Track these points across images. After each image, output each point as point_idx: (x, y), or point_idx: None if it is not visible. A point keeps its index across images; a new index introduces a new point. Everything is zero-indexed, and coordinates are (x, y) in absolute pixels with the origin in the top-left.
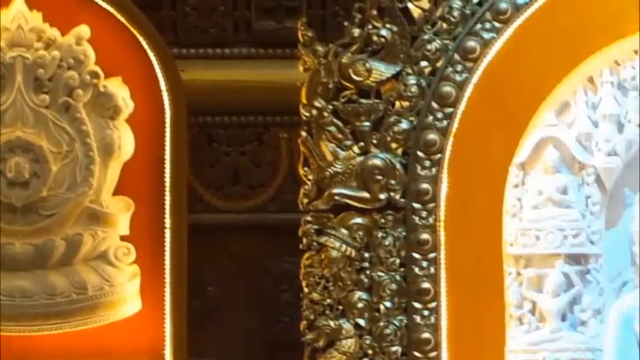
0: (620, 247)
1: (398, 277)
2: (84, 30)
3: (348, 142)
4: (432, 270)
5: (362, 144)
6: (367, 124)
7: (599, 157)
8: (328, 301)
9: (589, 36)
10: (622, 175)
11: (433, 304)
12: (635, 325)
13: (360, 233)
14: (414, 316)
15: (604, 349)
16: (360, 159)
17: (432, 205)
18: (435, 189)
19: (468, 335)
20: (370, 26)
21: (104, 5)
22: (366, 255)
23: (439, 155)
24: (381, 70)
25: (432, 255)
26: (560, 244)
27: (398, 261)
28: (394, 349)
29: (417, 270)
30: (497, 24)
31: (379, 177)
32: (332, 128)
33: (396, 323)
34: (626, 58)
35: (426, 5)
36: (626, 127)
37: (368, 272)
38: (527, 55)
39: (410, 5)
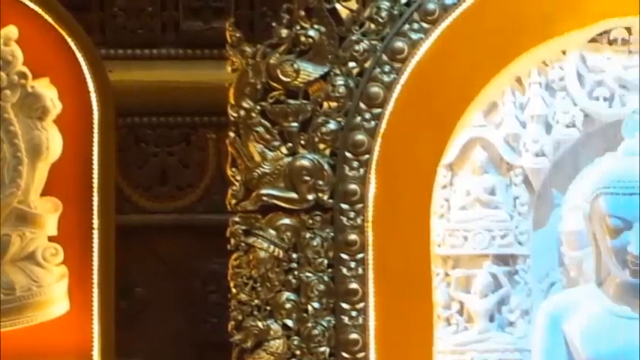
0: (548, 247)
1: (326, 278)
2: (11, 31)
3: (276, 143)
4: (360, 271)
5: (290, 145)
6: (295, 124)
7: (526, 157)
8: (256, 301)
9: (517, 36)
10: (550, 176)
11: (361, 305)
12: (564, 326)
13: (288, 234)
14: (342, 317)
15: (532, 350)
16: (287, 160)
17: (359, 205)
18: (363, 190)
19: (395, 336)
20: (298, 27)
21: (32, 6)
22: (294, 256)
23: (367, 156)
24: (309, 70)
25: (359, 256)
26: (488, 245)
27: (326, 262)
28: (322, 349)
29: (344, 271)
30: (425, 25)
31: (307, 178)
32: (260, 129)
33: (324, 324)
34: (554, 59)
35: (354, 6)
36: (554, 128)
37: (296, 273)
38: (455, 55)
39: (338, 6)
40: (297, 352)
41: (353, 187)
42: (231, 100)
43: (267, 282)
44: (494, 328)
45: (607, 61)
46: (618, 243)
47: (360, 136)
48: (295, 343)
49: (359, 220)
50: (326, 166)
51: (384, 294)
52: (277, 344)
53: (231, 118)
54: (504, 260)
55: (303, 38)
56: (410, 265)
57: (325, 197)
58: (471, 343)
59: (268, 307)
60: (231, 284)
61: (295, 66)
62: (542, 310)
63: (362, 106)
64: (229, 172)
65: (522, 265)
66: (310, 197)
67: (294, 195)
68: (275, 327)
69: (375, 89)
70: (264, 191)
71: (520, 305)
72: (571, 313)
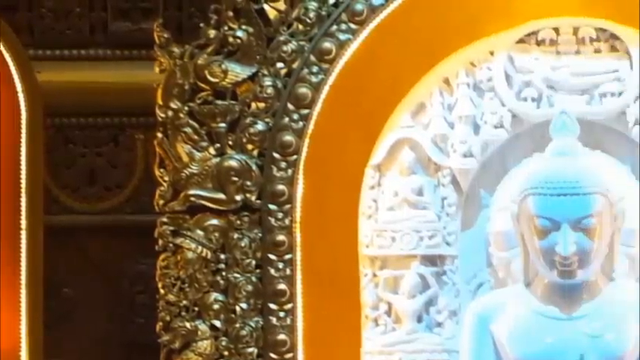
0: (476, 248)
1: (254, 279)
2: None
3: (204, 144)
4: (288, 271)
5: (218, 145)
6: (223, 125)
7: (454, 158)
8: (184, 302)
9: (445, 37)
10: (478, 177)
11: (289, 306)
12: (491, 326)
13: (216, 234)
14: (270, 318)
15: (460, 351)
16: (215, 160)
17: (287, 206)
18: (291, 190)
19: (323, 336)
20: (226, 28)
21: None
22: (222, 256)
23: (295, 156)
24: (237, 71)
25: (287, 256)
26: (415, 246)
27: (254, 262)
28: (250, 350)
29: (272, 271)
30: (353, 25)
31: (235, 178)
32: (188, 129)
33: (252, 324)
34: (482, 60)
35: (282, 6)
36: (481, 129)
37: (224, 274)
38: (383, 56)
39: (266, 6)
40: (225, 353)
41: (281, 187)
42: (159, 101)
43: (195, 283)
44: (422, 328)
45: (535, 62)
46: (546, 244)
47: (288, 137)
48: (223, 343)
49: (287, 221)
50: (254, 167)
51: (312, 295)
52: (205, 345)
53: (159, 119)
54: (432, 261)
55: (231, 39)
56: (338, 265)
57: (253, 198)
58: (398, 343)
59: (196, 308)
60: (159, 285)
61: (223, 67)
62: (470, 310)
63: (290, 106)
64: (157, 173)
65: (450, 265)
66: (238, 198)
67: (221, 196)
68: (203, 328)
69: (302, 90)
70: (191, 192)
71: (448, 306)
72: (499, 313)
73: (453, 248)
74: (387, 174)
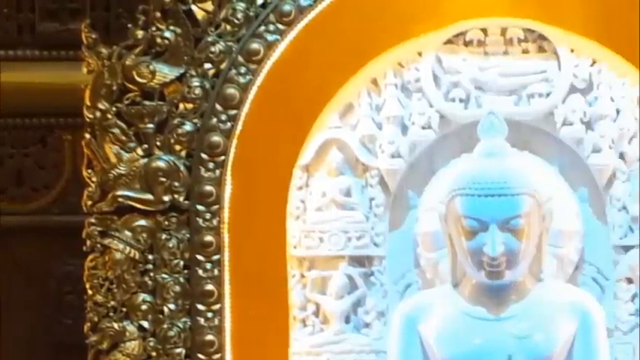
0: (403, 249)
1: (182, 279)
2: None
3: (132, 144)
4: (216, 272)
5: (145, 146)
6: (151, 126)
7: (382, 159)
8: (112, 303)
9: (373, 38)
10: (405, 177)
11: (217, 306)
12: (419, 327)
13: (144, 235)
14: (198, 318)
15: (388, 351)
16: (143, 161)
17: (215, 207)
18: (219, 191)
19: (251, 337)
20: (154, 28)
21: None
22: (150, 257)
23: (223, 157)
24: (165, 72)
25: (215, 257)
26: (343, 246)
27: (182, 263)
28: (178, 351)
29: (200, 272)
30: (281, 26)
31: (163, 179)
32: (115, 130)
33: (180, 325)
34: (410, 60)
35: (210, 7)
36: (409, 129)
37: (152, 274)
38: (311, 57)
39: (194, 7)
40: (153, 354)
41: (209, 188)
42: (87, 102)
43: (123, 283)
44: (350, 329)
45: (463, 63)
46: (474, 244)
47: (216, 138)
48: (151, 344)
49: (215, 222)
50: (182, 168)
51: (240, 295)
52: (133, 346)
53: (87, 120)
54: (360, 261)
55: (158, 40)
56: (266, 266)
57: (181, 198)
58: (326, 344)
59: (124, 309)
60: (87, 285)
61: (151, 67)
62: (397, 311)
63: (218, 107)
64: (85, 174)
65: (378, 266)
66: (166, 198)
67: (149, 196)
68: (131, 328)
69: (230, 91)
70: (119, 192)
71: (376, 307)
72: (427, 314)
73: (381, 249)
74: (315, 175)
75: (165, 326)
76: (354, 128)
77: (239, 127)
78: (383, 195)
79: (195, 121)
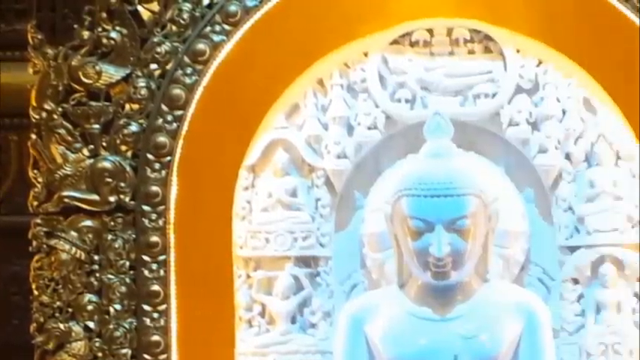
0: (350, 249)
1: (128, 280)
2: None
3: (78, 145)
4: (162, 272)
5: (92, 146)
6: (97, 126)
7: (328, 159)
8: (58, 303)
9: (319, 38)
10: (351, 178)
11: (163, 307)
12: (365, 327)
13: (90, 236)
14: (144, 319)
15: (334, 352)
16: (89, 161)
17: (161, 207)
18: (165, 191)
19: (197, 338)
20: (100, 29)
21: None
22: (96, 258)
23: (169, 158)
24: (111, 72)
25: (161, 257)
26: (289, 247)
27: (128, 263)
28: (124, 351)
29: (146, 272)
30: (227, 26)
31: (109, 179)
32: (62, 131)
33: (126, 326)
34: (356, 61)
35: (156, 8)
36: (355, 130)
37: (98, 275)
38: (257, 57)
39: (140, 8)
40: (99, 354)
41: (155, 188)
42: (33, 102)
43: (69, 284)
44: (296, 329)
45: (409, 63)
46: (420, 245)
47: (162, 138)
48: (97, 345)
49: (161, 222)
50: (128, 168)
51: (186, 296)
52: (79, 346)
53: (33, 120)
54: (306, 262)
55: (104, 40)
56: (212, 266)
57: (127, 199)
58: (272, 344)
59: (70, 309)
60: (33, 286)
61: (97, 68)
62: (343, 312)
63: (164, 107)
64: (31, 174)
65: (324, 266)
66: (112, 199)
67: (95, 197)
68: (77, 329)
69: (176, 91)
70: (65, 193)
71: (322, 307)
72: (373, 314)
73: (327, 249)
74: (261, 175)
75: (111, 327)
76: (300, 129)
77: (185, 127)
78: (329, 195)
79: (141, 121)
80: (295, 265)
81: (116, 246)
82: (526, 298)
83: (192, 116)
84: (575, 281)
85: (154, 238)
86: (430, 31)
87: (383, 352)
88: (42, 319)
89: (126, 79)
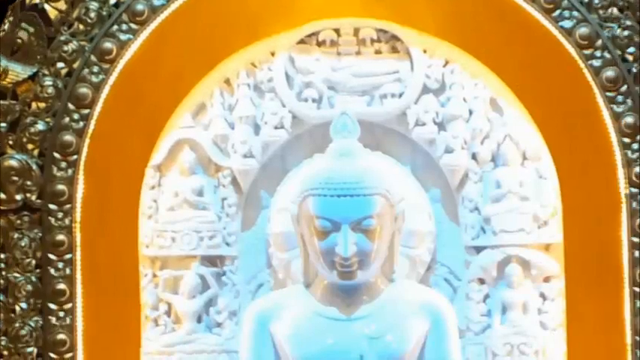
0: (256, 249)
1: (34, 278)
2: None
3: None
4: (68, 271)
5: None
6: (3, 125)
7: (235, 159)
8: None
9: (226, 38)
10: (258, 177)
11: (69, 306)
12: (271, 327)
13: None
14: (50, 317)
15: (240, 351)
16: None
17: (68, 206)
18: (72, 190)
19: (103, 336)
20: (6, 27)
21: None
22: (2, 256)
23: (75, 156)
24: (18, 71)
25: (67, 256)
26: (195, 246)
27: (34, 262)
28: (30, 350)
29: (52, 271)
30: (133, 25)
31: (15, 178)
32: None
33: (32, 324)
34: (263, 60)
35: (63, 6)
36: (262, 129)
37: (3, 273)
38: (164, 56)
39: (47, 6)
40: (5, 353)
41: (61, 187)
42: None
43: None
44: (202, 329)
45: (315, 63)
46: (326, 244)
47: (69, 137)
48: (3, 343)
49: (67, 221)
50: (34, 167)
51: (92, 295)
52: None
53: None
54: (212, 261)
55: (11, 38)
56: (118, 266)
57: (33, 198)
58: (178, 344)
59: None
60: None
61: (3, 66)
62: (249, 311)
63: (70, 106)
64: None
65: (230, 266)
66: (18, 197)
67: (1, 195)
68: None
69: (83, 90)
70: None
71: (228, 306)
72: (278, 314)
73: (233, 249)
74: (167, 174)
75: (16, 325)
76: (206, 128)
77: (92, 126)
78: (235, 195)
79: (48, 120)
80: (201, 264)
81: (22, 244)
82: (432, 298)
83: (99, 115)
84: (482, 281)
85: (61, 237)
86: (337, 31)
87: (289, 351)
88: None
89: (32, 77)
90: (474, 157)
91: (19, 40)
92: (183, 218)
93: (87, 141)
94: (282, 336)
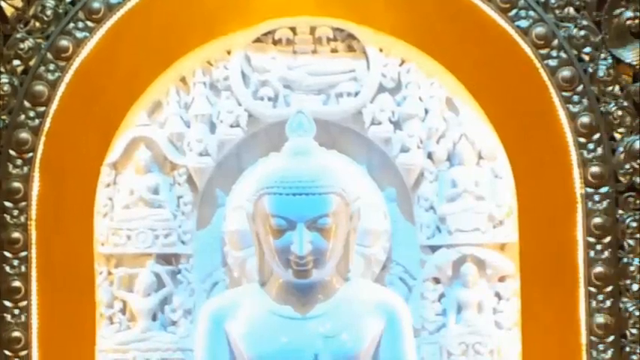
0: (211, 247)
1: None
2: None
3: None
4: (23, 268)
5: None
6: None
7: (190, 157)
8: None
9: (182, 36)
10: (214, 176)
11: (24, 303)
12: (226, 325)
13: None
14: (5, 315)
15: (194, 350)
16: None
17: (23, 203)
18: (27, 188)
19: (59, 334)
20: None
21: None
22: None
23: (31, 154)
24: None
25: (23, 254)
26: (151, 244)
27: None
28: None
29: (7, 269)
30: (90, 23)
31: None
32: None
33: None
34: (219, 58)
35: (19, 4)
36: (218, 128)
37: None
38: (120, 54)
39: (3, 3)
40: None
41: (17, 185)
42: None
43: None
44: (157, 327)
45: (272, 61)
46: (281, 243)
47: (24, 135)
48: None
49: (22, 219)
50: None
51: (48, 292)
52: None
53: None
54: (167, 259)
55: None
56: (73, 263)
57: None
58: (133, 342)
59: None
60: None
61: None
62: (204, 309)
63: (26, 104)
64: None
65: (185, 264)
66: None
67: None
68: None
69: (39, 87)
70: None
71: (183, 305)
72: (233, 312)
73: (189, 247)
74: (122, 172)
75: None
76: (162, 126)
77: (47, 124)
78: (191, 193)
79: (4, 117)
80: (156, 262)
81: None
82: (387, 297)
83: (55, 113)
84: (437, 280)
85: (16, 235)
86: (293, 30)
87: (244, 350)
88: None
89: None
90: (429, 156)
91: None
92: (138, 216)
93: (42, 138)
94: (237, 335)
